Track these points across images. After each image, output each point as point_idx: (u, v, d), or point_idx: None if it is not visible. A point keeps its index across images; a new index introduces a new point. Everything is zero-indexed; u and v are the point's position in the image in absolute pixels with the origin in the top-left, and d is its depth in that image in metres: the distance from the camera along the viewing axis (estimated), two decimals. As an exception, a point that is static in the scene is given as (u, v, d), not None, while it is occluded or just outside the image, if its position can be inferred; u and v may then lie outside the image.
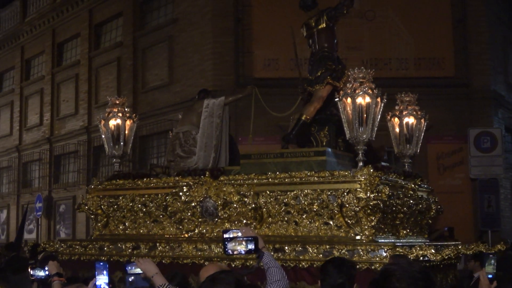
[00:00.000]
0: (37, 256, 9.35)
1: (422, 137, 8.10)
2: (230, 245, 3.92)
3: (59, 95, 21.93)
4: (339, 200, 6.41)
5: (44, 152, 22.09)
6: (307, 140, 8.16)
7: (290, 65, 15.53)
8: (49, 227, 21.34)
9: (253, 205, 6.88)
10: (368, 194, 6.18)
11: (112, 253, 7.60)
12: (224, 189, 7.08)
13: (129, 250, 7.49)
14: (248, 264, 6.23)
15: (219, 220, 7.14)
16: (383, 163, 7.22)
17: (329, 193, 6.50)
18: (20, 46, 24.52)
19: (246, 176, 7.08)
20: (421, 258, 5.76)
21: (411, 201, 6.96)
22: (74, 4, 21.06)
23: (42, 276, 5.08)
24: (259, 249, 3.95)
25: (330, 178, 6.55)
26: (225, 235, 3.99)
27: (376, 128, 6.69)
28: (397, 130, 7.94)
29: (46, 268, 4.98)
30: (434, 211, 7.71)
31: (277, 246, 6.41)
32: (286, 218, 6.78)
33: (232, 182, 7.11)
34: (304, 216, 6.66)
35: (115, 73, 19.05)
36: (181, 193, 7.42)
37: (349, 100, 6.61)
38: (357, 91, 6.57)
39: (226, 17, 15.64)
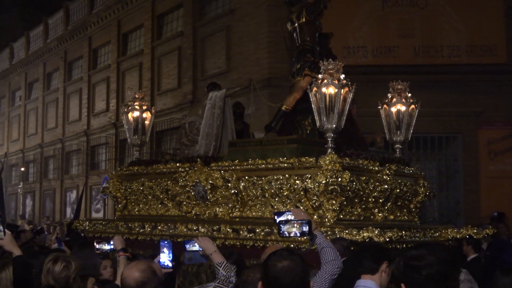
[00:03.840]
0: (72, 232, 10.26)
1: (413, 123, 8.23)
2: (284, 228, 3.97)
3: (124, 83, 22.85)
4: (304, 185, 6.74)
5: (110, 137, 23.12)
6: (293, 129, 8.61)
7: (343, 52, 15.97)
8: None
9: (235, 190, 7.38)
10: (327, 179, 6.45)
11: (125, 231, 8.33)
12: (213, 174, 7.57)
13: (137, 229, 8.20)
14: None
15: (209, 203, 7.69)
16: (353, 150, 7.39)
17: (295, 178, 6.84)
18: (88, 37, 25.61)
19: (230, 163, 7.57)
20: (367, 239, 5.93)
21: (385, 186, 7.13)
22: (138, -4, 21.98)
23: (108, 250, 5.32)
24: (312, 231, 4.02)
25: (297, 164, 6.90)
26: (279, 218, 4.11)
27: (344, 117, 6.88)
28: (388, 117, 8.14)
29: (111, 243, 5.20)
30: (422, 195, 7.88)
31: (249, 227, 6.87)
32: (263, 202, 7.22)
33: (220, 168, 7.62)
34: (276, 200, 7.06)
35: (176, 61, 19.77)
36: (179, 178, 8.04)
37: (315, 90, 6.86)
38: (324, 82, 6.78)
39: (281, 7, 16.05)
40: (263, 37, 15.96)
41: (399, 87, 8.19)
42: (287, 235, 4.00)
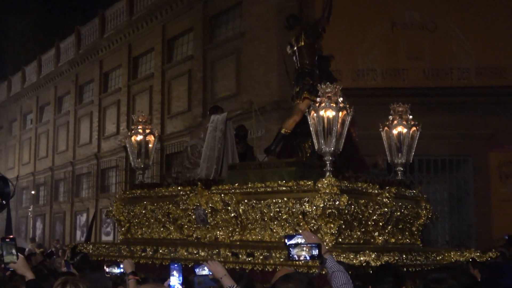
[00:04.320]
0: (76, 256, 10.25)
1: (415, 145, 8.14)
2: (294, 251, 3.98)
3: (134, 106, 23.02)
4: (302, 208, 6.68)
5: (120, 160, 23.22)
6: (293, 152, 8.59)
7: (352, 75, 16.06)
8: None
9: (234, 213, 7.33)
10: (325, 203, 6.39)
11: (127, 255, 8.21)
12: (213, 198, 7.53)
13: (139, 253, 8.15)
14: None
15: (209, 226, 7.65)
16: (358, 173, 7.37)
17: (294, 201, 6.78)
18: (99, 60, 25.90)
19: (230, 186, 7.49)
20: (364, 264, 5.84)
21: (385, 209, 7.07)
22: (148, 20, 22.19)
23: (117, 273, 5.34)
24: (322, 255, 4.01)
25: (296, 187, 6.84)
26: (289, 241, 4.07)
27: (342, 140, 6.82)
28: (389, 139, 8.06)
29: (121, 266, 5.20)
30: (424, 218, 7.81)
31: (248, 251, 6.79)
32: (262, 225, 7.16)
33: (220, 191, 7.56)
34: (275, 223, 6.99)
35: (186, 84, 19.94)
36: (180, 202, 8.00)
37: (313, 113, 6.82)
38: (321, 105, 6.74)
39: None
40: (272, 60, 16.03)
41: (400, 109, 8.09)
42: (296, 258, 4.00)
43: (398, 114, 8.05)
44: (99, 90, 25.81)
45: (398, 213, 7.32)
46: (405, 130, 8.02)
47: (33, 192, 31.06)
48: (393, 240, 7.47)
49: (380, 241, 7.21)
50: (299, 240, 4.10)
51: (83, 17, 35.68)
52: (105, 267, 5.54)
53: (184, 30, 20.62)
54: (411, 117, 8.08)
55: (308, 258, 4.01)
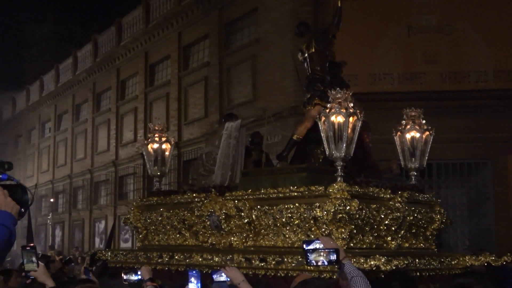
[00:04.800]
0: (96, 263, 10.31)
1: (428, 150, 8.14)
2: (312, 256, 3.95)
3: (151, 113, 23.15)
4: (313, 213, 6.71)
5: (138, 167, 23.32)
6: (306, 157, 8.61)
7: (369, 80, 16.02)
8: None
9: (248, 219, 7.40)
10: (336, 208, 6.42)
11: (144, 261, 8.34)
12: (227, 204, 7.60)
13: (155, 259, 8.25)
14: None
15: (223, 233, 7.72)
16: (368, 178, 7.37)
17: (305, 207, 6.82)
18: (116, 68, 26.07)
19: (244, 192, 7.59)
20: (374, 268, 5.82)
21: (397, 214, 7.07)
22: (164, 28, 22.32)
23: (135, 280, 5.25)
24: (340, 260, 3.99)
25: (307, 193, 6.88)
26: (307, 247, 4.04)
27: (353, 145, 6.84)
28: (402, 144, 8.08)
29: (139, 273, 5.19)
30: (438, 222, 7.78)
31: (261, 256, 6.83)
32: (275, 231, 7.22)
33: (233, 198, 7.64)
34: (287, 229, 7.04)
35: (203, 91, 20.00)
36: (195, 208, 8.10)
37: (324, 119, 6.86)
38: (332, 111, 6.79)
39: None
40: (288, 66, 15.97)
41: (413, 113, 8.15)
42: (314, 263, 3.97)
43: (411, 119, 8.09)
44: (116, 98, 25.97)
45: (411, 218, 7.31)
46: (418, 135, 8.03)
47: (52, 200, 31.30)
48: (406, 245, 7.47)
49: (393, 245, 7.21)
50: (317, 245, 4.06)
51: (99, 26, 36.05)
52: (122, 274, 5.47)
53: (200, 37, 20.70)
54: (424, 121, 8.11)
55: (326, 263, 3.98)
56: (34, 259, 3.11)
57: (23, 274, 3.10)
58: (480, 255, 7.57)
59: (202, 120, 19.93)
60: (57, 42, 44.13)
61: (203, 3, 20.00)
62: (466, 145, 15.48)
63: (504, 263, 7.55)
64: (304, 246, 4.10)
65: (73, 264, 16.94)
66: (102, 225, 26.18)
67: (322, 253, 3.94)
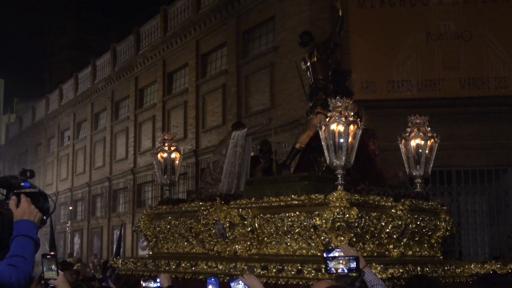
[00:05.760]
0: (107, 270, 10.41)
1: (433, 157, 8.11)
2: (331, 264, 3.98)
3: (169, 121, 23.25)
4: (313, 222, 6.77)
5: (156, 175, 23.31)
6: (310, 166, 8.68)
7: (387, 87, 15.95)
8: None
9: (251, 227, 7.47)
10: (334, 216, 6.45)
11: (153, 269, 8.48)
12: (231, 212, 7.68)
13: (163, 267, 8.35)
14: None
15: (228, 241, 7.79)
16: (366, 186, 7.39)
17: (305, 215, 6.89)
18: (134, 77, 26.23)
19: (247, 201, 7.67)
20: None
21: (399, 222, 7.07)
22: (182, 36, 22.44)
23: (154, 287, 5.27)
24: (359, 268, 4.02)
25: (307, 201, 6.94)
26: (327, 255, 4.07)
27: (353, 154, 6.88)
28: (406, 152, 8.11)
29: (158, 280, 5.17)
30: (443, 230, 7.77)
31: (262, 264, 6.91)
32: (277, 239, 7.27)
33: (237, 206, 7.72)
34: (289, 237, 7.09)
35: (221, 99, 20.05)
36: (201, 217, 8.21)
37: (324, 128, 6.93)
38: (331, 119, 6.86)
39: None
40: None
41: (418, 121, 8.16)
42: (334, 271, 3.99)
43: (415, 126, 8.12)
44: (134, 106, 26.11)
45: (413, 226, 7.31)
46: (422, 142, 8.04)
47: (71, 207, 31.52)
48: (410, 253, 7.47)
49: (395, 253, 7.21)
50: (336, 254, 4.10)
51: (118, 35, 36.41)
52: (141, 282, 5.45)
53: (217, 45, 20.78)
54: (429, 128, 8.12)
55: (345, 271, 3.99)
56: (53, 267, 3.13)
57: (42, 282, 3.12)
58: (486, 263, 7.57)
59: (220, 127, 19.97)
60: (76, 51, 44.58)
61: (221, 12, 20.10)
62: (486, 151, 15.35)
63: (510, 270, 7.52)
64: (324, 254, 4.13)
65: (92, 271, 17.07)
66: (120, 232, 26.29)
67: (341, 261, 3.95)
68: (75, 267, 15.22)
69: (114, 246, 26.00)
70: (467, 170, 15.36)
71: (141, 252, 23.36)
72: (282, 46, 17.34)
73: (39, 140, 37.64)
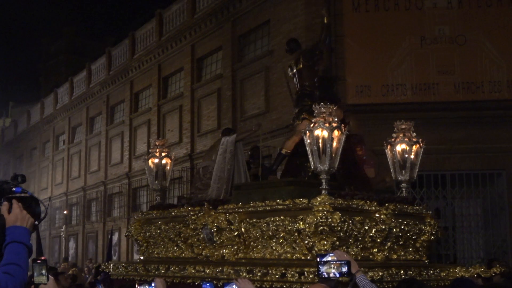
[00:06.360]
0: (99, 275, 10.49)
1: (418, 163, 8.19)
2: (324, 268, 4.02)
3: (164, 125, 23.26)
4: (297, 226, 6.87)
5: (151, 179, 23.34)
6: (297, 171, 8.79)
7: (382, 91, 15.99)
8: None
9: (238, 232, 7.56)
10: (317, 220, 6.53)
11: (143, 274, 8.56)
12: (219, 217, 7.78)
13: (154, 271, 8.44)
14: None
15: (216, 245, 7.90)
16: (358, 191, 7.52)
17: (290, 219, 6.98)
18: (130, 81, 26.21)
19: (234, 205, 7.79)
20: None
21: (383, 226, 7.15)
22: (177, 41, 22.45)
23: None
24: (351, 272, 4.06)
25: (292, 206, 7.05)
26: (320, 259, 4.11)
27: (337, 159, 6.96)
28: (392, 157, 8.19)
29: (153, 285, 5.23)
30: (428, 234, 7.84)
31: (248, 268, 6.98)
32: (263, 243, 7.37)
33: (224, 211, 7.83)
34: (274, 241, 7.19)
35: (216, 103, 20.05)
36: (189, 221, 8.30)
37: (308, 134, 7.03)
38: (315, 125, 6.95)
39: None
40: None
41: (403, 126, 8.25)
42: (326, 275, 4.03)
43: (401, 131, 8.21)
44: (130, 110, 26.11)
45: (398, 230, 7.39)
46: (407, 148, 8.13)
47: (65, 212, 31.44)
48: (395, 257, 7.55)
49: (379, 257, 7.29)
50: (329, 258, 4.13)
51: (113, 39, 36.44)
52: (137, 285, 5.56)
53: (213, 49, 20.80)
54: (414, 134, 8.22)
55: (337, 275, 4.03)
56: (44, 272, 3.14)
57: (33, 286, 3.12)
58: (470, 267, 7.70)
59: (215, 132, 19.95)
60: (71, 55, 44.60)
61: (216, 16, 20.12)
62: (480, 155, 15.39)
63: (493, 274, 7.61)
64: (318, 258, 4.17)
65: (87, 276, 17.03)
66: (116, 237, 26.22)
67: (333, 265, 4.00)
68: (70, 272, 15.20)
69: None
70: (461, 174, 15.39)
71: (136, 257, 23.29)
72: (277, 50, 17.33)
73: (34, 144, 37.57)
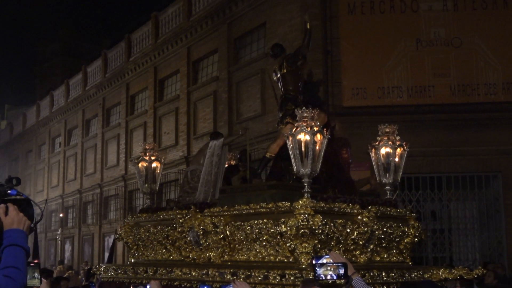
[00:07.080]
0: (91, 277, 10.54)
1: (402, 166, 8.27)
2: (320, 270, 4.03)
3: (160, 128, 23.24)
4: (279, 229, 6.97)
5: (147, 181, 23.33)
6: (282, 175, 8.88)
7: (378, 93, 16.01)
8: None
9: (223, 234, 7.67)
10: (299, 223, 6.63)
11: (131, 276, 8.66)
12: (205, 220, 7.89)
13: (143, 274, 8.54)
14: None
15: (202, 248, 7.99)
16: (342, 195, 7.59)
17: (272, 222, 7.09)
18: (126, 83, 26.19)
19: (220, 209, 7.89)
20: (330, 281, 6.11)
21: (365, 229, 7.24)
22: (173, 43, 22.44)
23: None
24: (347, 274, 4.08)
25: (274, 209, 7.13)
26: (316, 261, 4.12)
27: (319, 163, 7.05)
28: (376, 160, 8.27)
29: (148, 287, 5.27)
30: (411, 236, 7.93)
31: (232, 270, 7.10)
32: (247, 246, 7.48)
33: (210, 214, 7.92)
34: (257, 244, 7.30)
35: (212, 105, 20.04)
36: (176, 224, 8.41)
37: (290, 138, 7.12)
38: (297, 130, 7.04)
39: (316, 50, 16.22)
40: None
41: (387, 130, 8.34)
42: (323, 277, 4.04)
43: (385, 135, 8.31)
44: (125, 113, 26.07)
45: (380, 232, 7.49)
46: (391, 151, 8.22)
47: (61, 214, 31.38)
48: (378, 259, 7.66)
49: (362, 259, 7.38)
50: (325, 260, 4.14)
51: (109, 41, 36.39)
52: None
53: (209, 52, 20.79)
54: (398, 137, 8.31)
55: (334, 277, 4.04)
56: (36, 275, 3.13)
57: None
58: (454, 268, 7.76)
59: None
60: (67, 58, 44.49)
61: (212, 18, 20.13)
62: (476, 157, 15.42)
63: (476, 276, 7.69)
64: (313, 261, 4.18)
65: (83, 278, 17.00)
66: (111, 239, 26.17)
67: (330, 267, 4.01)
68: (66, 275, 15.16)
69: (106, 254, 25.92)
70: (457, 176, 15.42)
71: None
72: (273, 53, 17.34)
73: (30, 146, 37.50)
